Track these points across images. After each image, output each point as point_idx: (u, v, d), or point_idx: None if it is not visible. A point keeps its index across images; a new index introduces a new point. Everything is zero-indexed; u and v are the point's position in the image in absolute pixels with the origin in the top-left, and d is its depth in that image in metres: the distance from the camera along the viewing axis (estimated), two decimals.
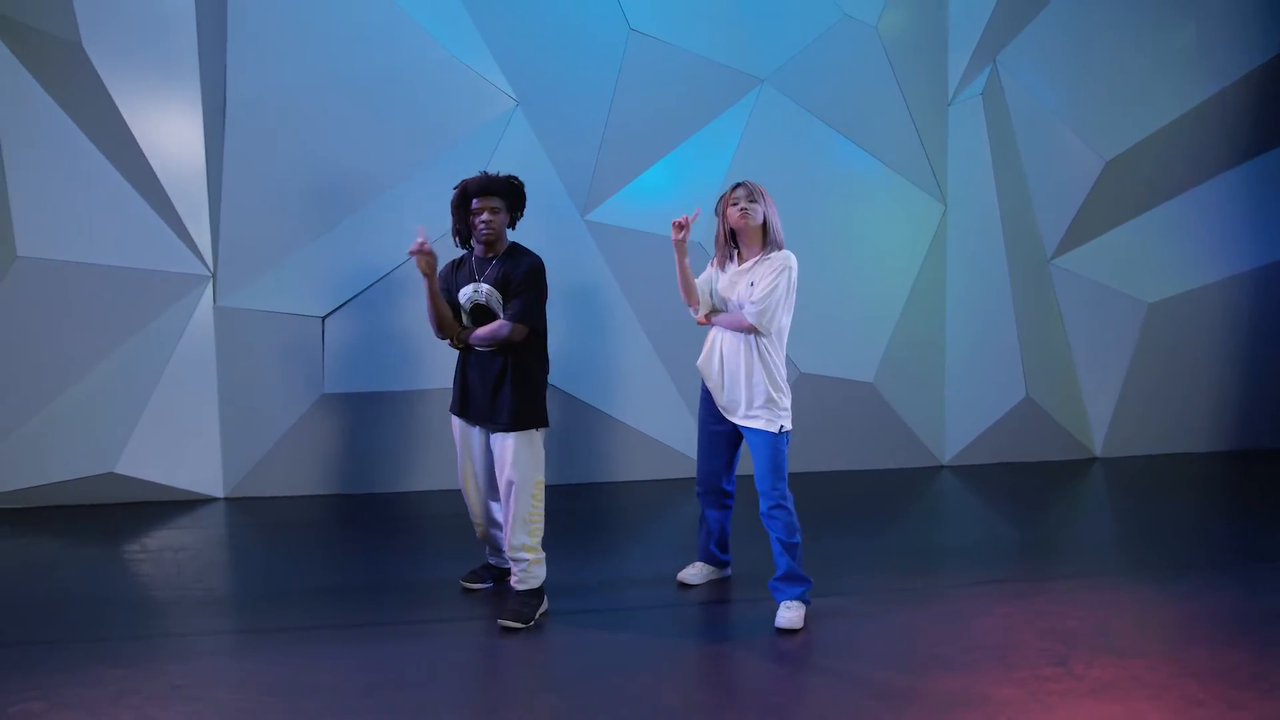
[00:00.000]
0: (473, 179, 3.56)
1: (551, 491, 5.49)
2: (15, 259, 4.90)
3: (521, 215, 3.68)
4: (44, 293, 4.96)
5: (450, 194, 3.61)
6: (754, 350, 3.49)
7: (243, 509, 5.13)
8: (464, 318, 3.61)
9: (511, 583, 3.56)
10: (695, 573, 3.92)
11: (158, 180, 5.06)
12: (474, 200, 3.52)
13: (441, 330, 3.59)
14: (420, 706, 2.78)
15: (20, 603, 3.68)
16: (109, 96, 4.93)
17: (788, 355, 5.74)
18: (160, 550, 4.38)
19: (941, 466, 6.22)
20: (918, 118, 5.96)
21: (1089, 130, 6.17)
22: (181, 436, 5.22)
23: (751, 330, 3.46)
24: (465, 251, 3.66)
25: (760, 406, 3.49)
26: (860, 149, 5.89)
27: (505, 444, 3.49)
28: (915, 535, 4.82)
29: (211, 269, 5.19)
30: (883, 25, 5.84)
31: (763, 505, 3.51)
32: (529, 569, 3.52)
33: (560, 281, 5.53)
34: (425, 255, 3.45)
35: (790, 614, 3.39)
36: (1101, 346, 6.40)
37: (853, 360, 6.00)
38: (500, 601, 3.62)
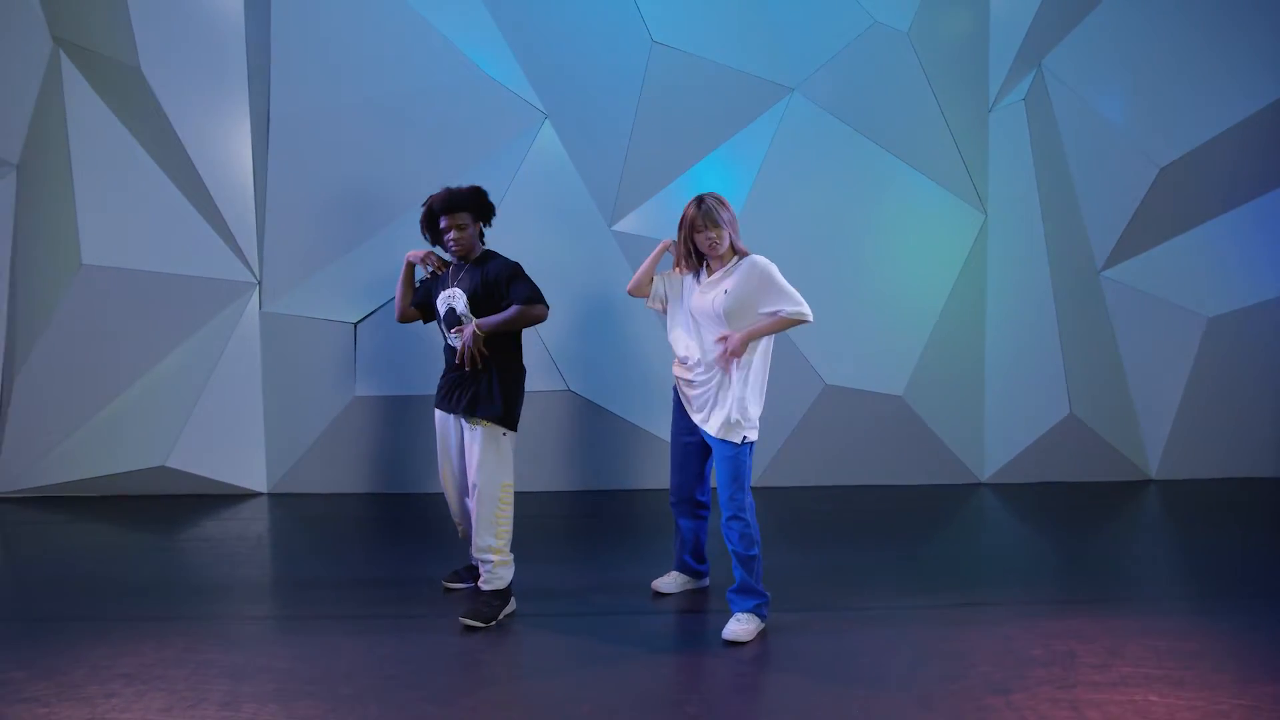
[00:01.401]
0: (437, 196, 3.71)
1: (572, 497, 5.70)
2: (80, 266, 5.33)
3: (490, 223, 3.80)
4: (106, 298, 5.37)
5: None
6: (751, 358, 3.49)
7: (284, 504, 5.43)
8: (440, 324, 3.77)
9: (479, 583, 3.68)
10: (669, 581, 3.95)
11: (209, 194, 5.42)
12: (441, 219, 3.67)
13: (402, 315, 3.95)
14: (353, 696, 2.92)
15: (45, 582, 4.04)
16: (165, 116, 5.32)
17: (811, 365, 5.75)
18: (191, 541, 4.70)
19: (980, 484, 6.02)
20: (956, 125, 5.79)
21: (1141, 136, 5.84)
22: (229, 434, 5.57)
23: (797, 320, 3.45)
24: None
25: (728, 417, 3.49)
26: (895, 157, 5.76)
27: (473, 445, 3.62)
28: (929, 553, 4.68)
29: (258, 276, 5.53)
30: (919, 31, 5.70)
31: (722, 515, 3.51)
32: (495, 570, 3.63)
33: (586, 290, 5.68)
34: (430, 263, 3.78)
35: (739, 626, 3.38)
36: (1157, 362, 6.05)
37: (881, 373, 5.87)
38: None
